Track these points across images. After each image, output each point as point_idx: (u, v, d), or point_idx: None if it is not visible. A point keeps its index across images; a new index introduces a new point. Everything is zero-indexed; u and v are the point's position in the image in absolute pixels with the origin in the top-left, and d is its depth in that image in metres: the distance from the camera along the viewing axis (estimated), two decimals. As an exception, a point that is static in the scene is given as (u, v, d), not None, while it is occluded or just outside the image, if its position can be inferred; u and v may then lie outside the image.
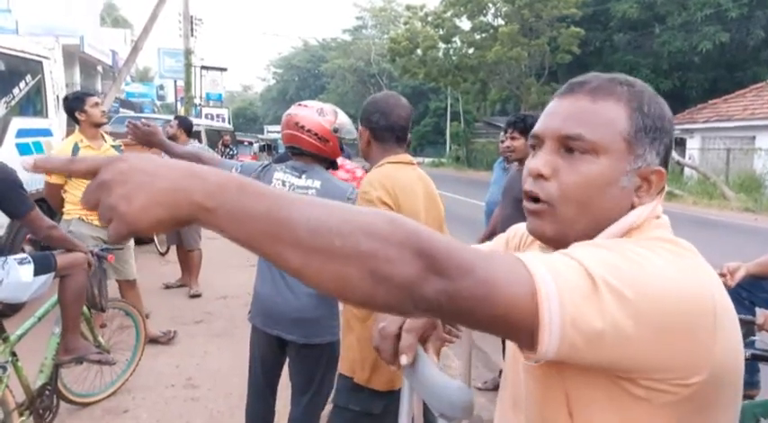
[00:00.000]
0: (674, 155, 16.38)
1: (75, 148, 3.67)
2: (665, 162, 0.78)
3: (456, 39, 27.64)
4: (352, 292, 0.56)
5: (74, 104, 3.72)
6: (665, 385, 0.64)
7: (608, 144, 0.75)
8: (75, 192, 3.71)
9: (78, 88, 21.33)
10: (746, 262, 2.22)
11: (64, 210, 3.76)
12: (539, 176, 0.77)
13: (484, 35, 26.44)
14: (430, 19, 27.77)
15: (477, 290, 0.57)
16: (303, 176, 2.21)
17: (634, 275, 0.62)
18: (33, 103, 5.04)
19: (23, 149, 4.67)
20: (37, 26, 17.58)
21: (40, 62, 5.09)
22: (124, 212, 0.54)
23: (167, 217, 0.54)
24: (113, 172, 0.55)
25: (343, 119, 2.23)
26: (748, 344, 1.89)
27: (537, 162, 0.78)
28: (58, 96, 5.33)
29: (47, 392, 2.71)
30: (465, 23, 27.68)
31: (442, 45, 27.72)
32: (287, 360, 2.35)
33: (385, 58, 35.12)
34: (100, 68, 26.70)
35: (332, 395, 1.95)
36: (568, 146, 0.76)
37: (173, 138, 5.21)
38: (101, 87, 23.85)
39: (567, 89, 0.80)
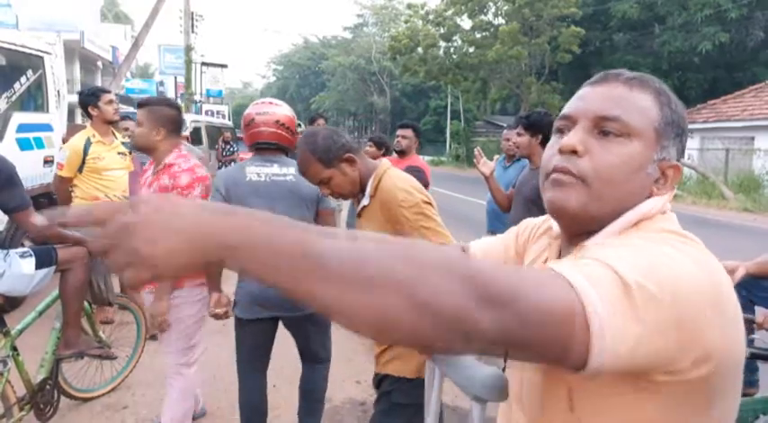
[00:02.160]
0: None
1: (87, 143, 3.71)
2: (679, 160, 0.82)
3: (457, 37, 27.66)
4: (394, 328, 0.52)
5: (88, 100, 3.76)
6: (680, 376, 0.65)
7: (641, 130, 0.76)
8: (83, 186, 3.75)
9: (78, 84, 21.35)
10: (746, 261, 2.24)
11: (73, 203, 3.77)
12: (572, 153, 0.77)
13: (484, 34, 26.46)
14: (431, 17, 27.77)
15: (529, 314, 0.55)
16: (275, 165, 2.37)
17: (661, 273, 0.63)
18: (34, 98, 5.04)
19: (24, 144, 4.68)
20: (37, 21, 17.57)
21: (42, 57, 5.08)
22: (148, 256, 0.52)
23: (194, 260, 0.53)
24: (136, 214, 0.53)
25: None
26: (748, 342, 1.90)
27: (571, 139, 0.77)
28: (58, 91, 5.34)
29: (47, 387, 2.71)
30: (466, 22, 27.70)
31: (442, 43, 27.74)
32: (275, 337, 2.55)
33: (386, 56, 35.09)
34: (100, 64, 26.69)
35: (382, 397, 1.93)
36: (603, 127, 0.77)
37: None
38: (101, 83, 23.83)
39: (600, 78, 0.81)
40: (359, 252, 0.52)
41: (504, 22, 25.49)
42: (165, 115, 2.48)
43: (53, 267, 2.57)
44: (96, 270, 2.81)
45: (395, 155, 4.23)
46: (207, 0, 36.35)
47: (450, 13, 26.83)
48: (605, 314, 0.58)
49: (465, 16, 27.11)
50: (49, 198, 5.21)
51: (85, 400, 3.11)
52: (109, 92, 3.90)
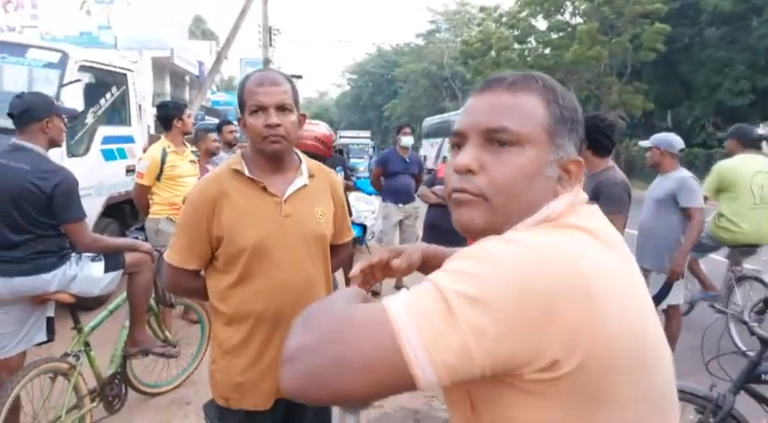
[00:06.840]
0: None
1: (164, 153, 4.01)
2: (579, 152, 0.80)
3: (531, 39, 26.97)
4: None
5: (175, 112, 4.09)
6: (547, 374, 0.63)
7: (531, 135, 0.76)
8: (162, 193, 4.02)
9: (168, 97, 22.91)
10: None
11: (151, 210, 4.06)
12: (467, 172, 0.76)
13: (561, 34, 25.58)
14: (504, 20, 27.28)
15: (337, 362, 0.62)
16: None
17: (483, 275, 0.63)
18: (118, 112, 5.47)
19: (108, 155, 5.07)
20: (132, 40, 19.02)
21: (125, 74, 5.52)
22: None
23: None
24: None
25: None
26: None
27: (463, 158, 0.77)
28: (140, 106, 5.76)
29: (116, 381, 2.92)
30: (541, 23, 26.95)
31: (516, 46, 27.14)
32: None
33: (458, 61, 34.83)
34: (187, 78, 28.44)
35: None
36: (493, 139, 0.76)
37: (234, 143, 5.35)
38: (188, 96, 25.39)
39: (483, 86, 0.81)
40: None
41: (582, 21, 24.56)
42: None
43: (121, 271, 2.76)
44: (160, 274, 2.99)
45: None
46: (284, 14, 37.88)
47: (524, 14, 26.22)
48: (417, 332, 0.61)
49: (540, 17, 26.39)
50: (131, 204, 5.62)
51: (153, 395, 3.31)
52: (186, 106, 4.22)
